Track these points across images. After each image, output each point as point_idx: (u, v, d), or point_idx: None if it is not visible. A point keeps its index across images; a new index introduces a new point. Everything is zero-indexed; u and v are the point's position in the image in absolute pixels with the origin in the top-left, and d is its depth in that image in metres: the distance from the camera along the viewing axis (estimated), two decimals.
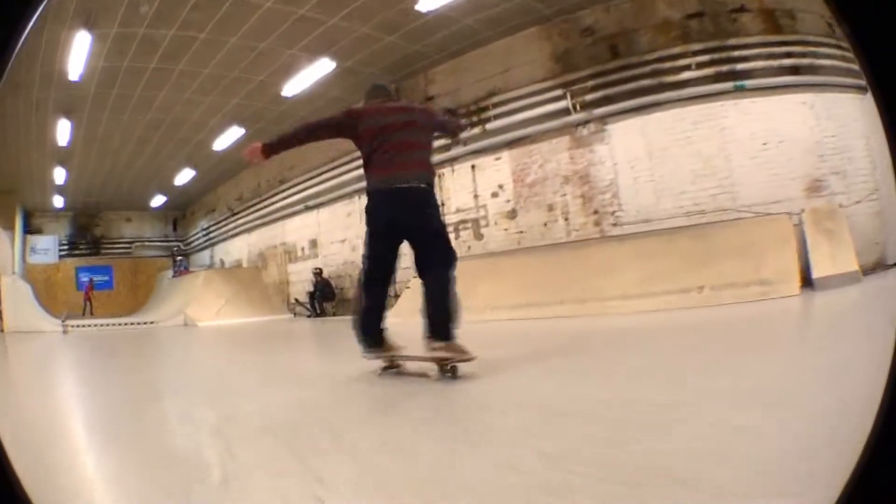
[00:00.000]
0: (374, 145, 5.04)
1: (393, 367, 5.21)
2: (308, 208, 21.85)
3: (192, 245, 32.24)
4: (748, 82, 11.58)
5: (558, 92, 13.58)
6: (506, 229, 14.49)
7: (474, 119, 14.71)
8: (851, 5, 1.13)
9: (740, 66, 11.70)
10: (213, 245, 30.04)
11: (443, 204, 14.97)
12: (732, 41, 11.87)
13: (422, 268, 5.06)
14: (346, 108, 5.31)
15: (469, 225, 15.34)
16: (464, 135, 13.30)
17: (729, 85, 11.67)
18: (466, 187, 15.48)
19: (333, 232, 20.58)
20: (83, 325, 20.93)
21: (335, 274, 20.42)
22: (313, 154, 18.95)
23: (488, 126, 14.71)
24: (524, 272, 11.73)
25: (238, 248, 27.38)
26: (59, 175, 24.04)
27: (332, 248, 20.75)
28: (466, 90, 15.48)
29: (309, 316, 20.02)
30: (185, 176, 26.20)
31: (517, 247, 13.80)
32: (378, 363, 5.24)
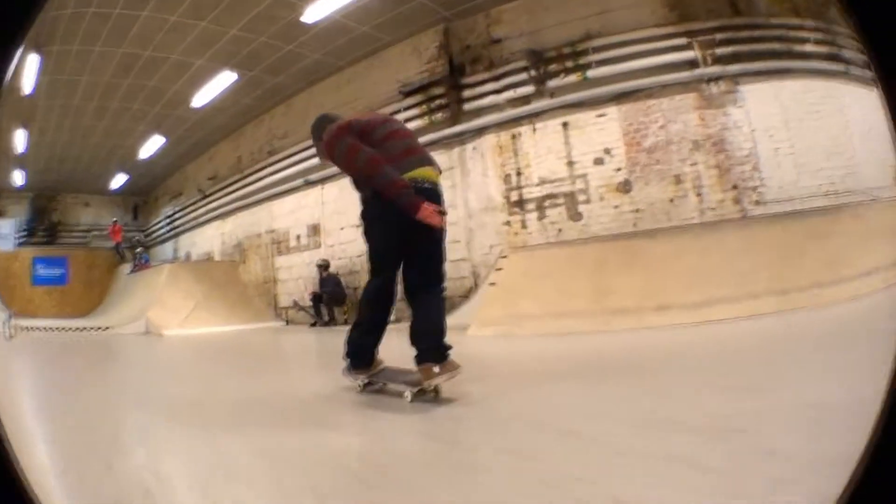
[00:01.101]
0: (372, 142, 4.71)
1: (373, 384, 5.00)
2: (309, 183, 17.83)
3: (154, 236, 28.01)
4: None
5: (682, 41, 11.93)
6: (616, 206, 12.10)
7: (568, 65, 12.72)
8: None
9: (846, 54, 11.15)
10: (177, 235, 25.85)
11: (520, 172, 12.98)
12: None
13: (419, 284, 4.85)
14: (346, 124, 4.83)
15: (560, 200, 12.60)
16: (554, 83, 12.58)
17: (841, 66, 11.14)
18: (555, 151, 12.80)
19: (345, 213, 16.50)
20: (31, 329, 18.41)
21: (346, 269, 16.53)
22: (316, 111, 14.02)
23: (590, 73, 12.49)
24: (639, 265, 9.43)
25: (208, 239, 23.32)
26: (20, 140, 20.58)
27: (343, 235, 16.72)
28: (550, 32, 13.18)
29: (313, 324, 16.23)
30: (152, 145, 22.26)
31: (632, 229, 11.59)
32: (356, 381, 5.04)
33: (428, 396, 4.49)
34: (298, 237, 18.35)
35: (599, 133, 12.39)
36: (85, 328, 18.27)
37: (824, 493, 1.42)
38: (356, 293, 15.18)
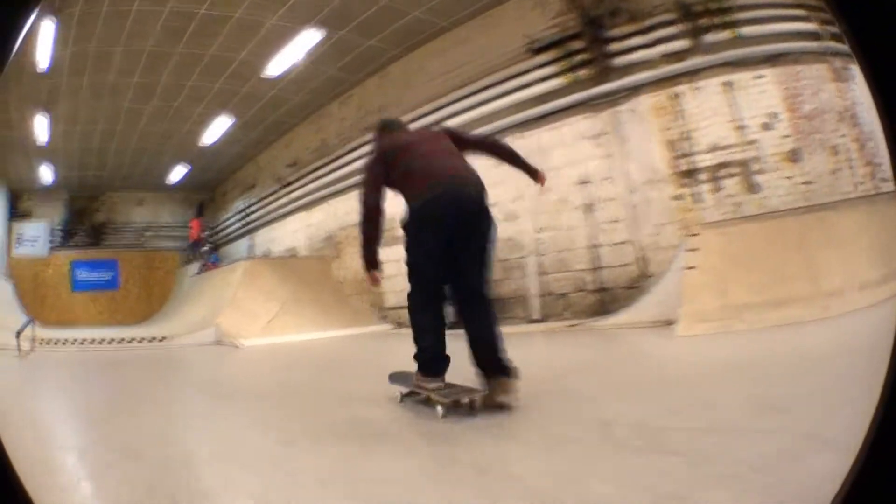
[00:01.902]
0: (403, 165, 5.13)
1: (414, 394, 5.13)
2: None
3: (224, 233, 25.83)
4: None
5: (803, 11, 11.16)
6: (788, 177, 10.94)
7: (716, 21, 11.48)
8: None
9: None
10: (252, 231, 23.55)
11: (687, 138, 11.40)
12: None
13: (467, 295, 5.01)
14: (379, 156, 5.36)
15: (735, 170, 11.16)
16: (709, 38, 11.29)
17: None
18: (721, 113, 11.32)
19: None
20: (60, 342, 14.61)
21: None
22: (419, 79, 14.96)
23: (743, 31, 11.29)
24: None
25: (291, 233, 20.74)
26: (41, 126, 17.96)
27: None
28: None
29: None
30: (217, 128, 19.86)
31: (806, 203, 10.39)
32: (398, 389, 5.28)
33: (462, 411, 4.58)
34: None
35: (762, 95, 11.19)
36: (133, 339, 14.92)
37: None
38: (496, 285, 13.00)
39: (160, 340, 14.30)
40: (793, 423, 3.64)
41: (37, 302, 22.46)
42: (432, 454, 3.79)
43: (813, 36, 11.01)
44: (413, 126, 6.66)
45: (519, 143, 12.21)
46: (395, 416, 4.85)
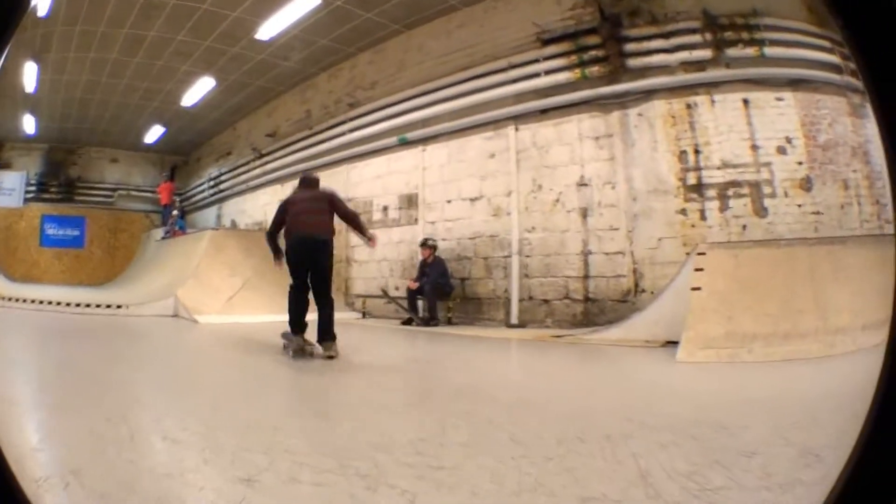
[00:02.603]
0: (290, 214, 8.47)
1: (304, 352, 8.10)
2: (405, 143, 14.82)
3: (193, 199, 25.34)
4: None
5: (827, 43, 10.74)
6: (799, 205, 10.77)
7: (743, 36, 11.28)
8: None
9: None
10: (222, 201, 23.07)
11: (699, 151, 11.14)
12: None
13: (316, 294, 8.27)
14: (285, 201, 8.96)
15: (744, 190, 10.88)
16: (732, 52, 11.06)
17: None
18: (738, 130, 11.05)
19: (455, 182, 13.90)
20: (15, 300, 14.64)
21: (453, 253, 13.53)
22: (416, 59, 14.49)
23: (767, 51, 11.06)
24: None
25: (261, 206, 19.74)
26: (31, 74, 17.54)
27: (451, 210, 13.92)
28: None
29: (409, 321, 12.94)
30: (199, 89, 19.25)
31: (813, 234, 10.44)
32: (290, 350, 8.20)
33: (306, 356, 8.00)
34: (385, 209, 15.45)
35: (780, 118, 10.97)
36: (91, 305, 14.26)
37: None
38: (465, 285, 13.41)
39: (118, 307, 13.74)
40: (828, 470, 2.58)
41: (8, 254, 22.78)
42: (288, 373, 7.22)
43: (835, 68, 10.74)
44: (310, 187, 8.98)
45: (514, 135, 12.71)
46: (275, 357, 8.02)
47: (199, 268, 14.18)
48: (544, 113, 12.42)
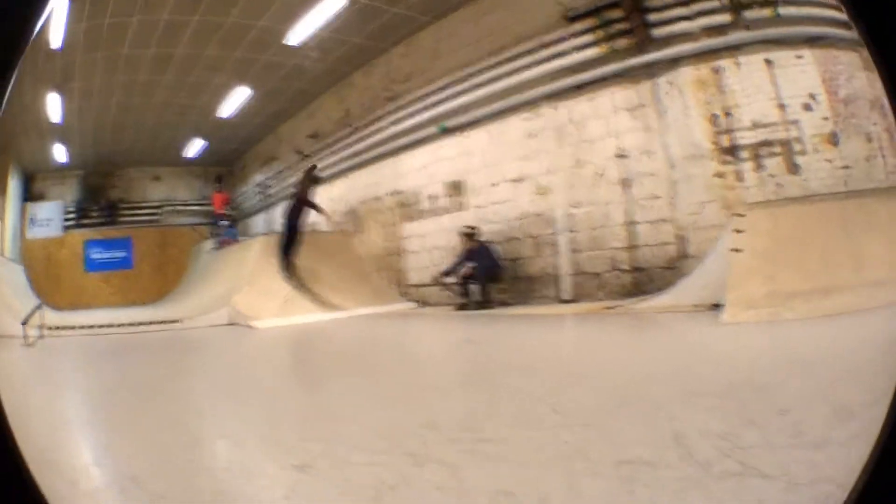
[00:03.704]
0: None
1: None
2: (445, 131, 15.04)
3: (242, 208, 25.32)
4: None
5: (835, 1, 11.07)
6: (829, 160, 10.89)
7: None
8: None
9: None
10: (271, 206, 22.90)
11: (729, 113, 11.29)
12: None
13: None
14: None
15: (776, 149, 11.06)
16: (750, 14, 11.15)
17: None
18: (764, 91, 11.20)
19: (498, 165, 14.03)
20: (70, 328, 14.13)
21: (502, 235, 13.75)
22: (448, 48, 14.59)
23: (781, 11, 11.22)
24: None
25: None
26: (54, 105, 17.66)
27: (496, 193, 14.09)
28: None
29: (464, 306, 13.35)
30: (235, 100, 19.34)
31: (845, 188, 10.51)
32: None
33: None
34: (433, 197, 15.68)
35: (802, 76, 11.08)
36: (143, 323, 14.39)
37: None
38: (515, 266, 13.56)
39: (173, 322, 14.02)
40: (863, 426, 3.08)
41: (50, 283, 21.59)
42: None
43: (846, 25, 10.08)
44: None
45: (551, 113, 12.90)
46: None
47: (253, 273, 14.49)
48: (578, 89, 12.63)
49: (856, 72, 10.77)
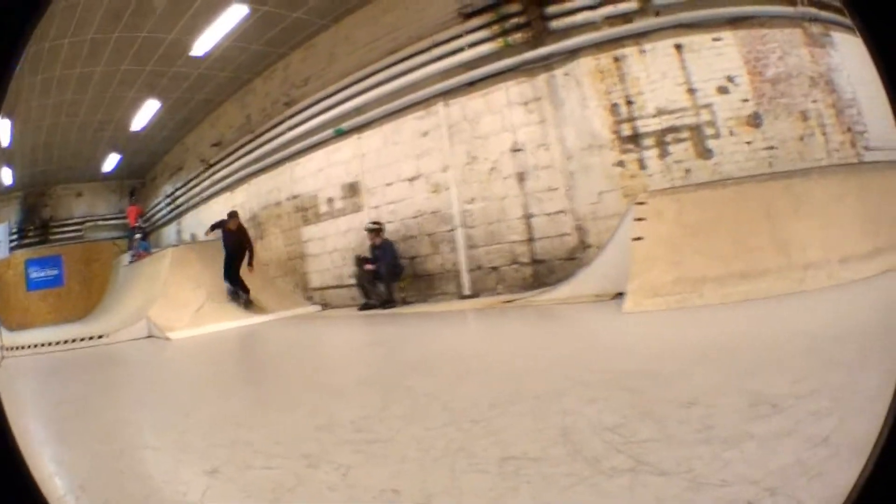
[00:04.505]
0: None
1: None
2: (341, 134, 14.44)
3: (154, 220, 24.95)
4: None
5: None
6: (748, 143, 10.62)
7: None
8: None
9: None
10: (179, 216, 22.83)
11: (631, 102, 10.99)
12: None
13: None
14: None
15: (685, 135, 10.69)
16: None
17: None
18: (671, 76, 10.91)
19: (393, 165, 13.56)
20: (19, 348, 14.06)
21: (399, 234, 13.25)
22: (345, 50, 14.13)
23: None
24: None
25: (215, 215, 18.18)
26: (5, 132, 17.93)
27: (391, 193, 13.61)
28: None
29: (366, 305, 12.82)
30: (146, 114, 18.80)
31: (769, 169, 10.24)
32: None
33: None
34: (330, 200, 15.08)
35: (718, 58, 10.84)
36: (72, 340, 14.12)
37: None
38: (413, 264, 13.17)
39: (99, 338, 13.56)
40: (795, 424, 3.12)
41: (2, 305, 22.40)
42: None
43: (787, 0, 10.85)
44: None
45: (444, 111, 12.51)
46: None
47: (166, 285, 14.17)
48: (472, 85, 12.19)
49: (793, 49, 10.76)
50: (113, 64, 15.19)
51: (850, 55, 10.86)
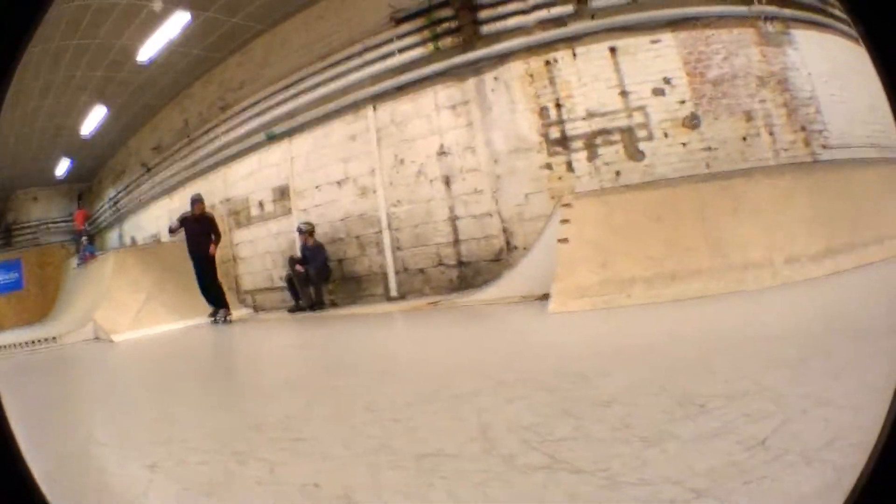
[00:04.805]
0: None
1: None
2: (272, 138, 14.21)
3: (99, 223, 24.86)
4: None
5: None
6: (684, 144, 10.43)
7: None
8: None
9: None
10: (121, 220, 22.64)
11: (559, 105, 10.86)
12: None
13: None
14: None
15: (616, 137, 10.60)
16: (599, 2, 10.80)
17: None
18: (603, 79, 10.81)
19: (321, 169, 13.31)
20: None
21: (328, 237, 12.96)
22: (280, 55, 13.93)
23: None
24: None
25: (154, 219, 19.40)
26: None
27: (320, 196, 13.36)
28: None
29: (296, 308, 12.64)
30: (94, 118, 18.66)
31: (706, 170, 10.12)
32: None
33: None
34: (261, 204, 14.83)
35: (655, 60, 10.70)
36: (32, 342, 14.16)
37: None
38: (343, 266, 13.02)
39: (53, 340, 13.64)
40: (724, 426, 2.98)
41: None
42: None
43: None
44: None
45: (373, 115, 12.36)
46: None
47: (109, 289, 13.97)
48: (401, 90, 12.00)
49: (741, 49, 10.63)
50: (71, 69, 15.13)
51: (812, 52, 10.96)
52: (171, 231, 13.50)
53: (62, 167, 23.78)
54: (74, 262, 20.57)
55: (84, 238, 20.56)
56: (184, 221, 12.95)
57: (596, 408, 3.36)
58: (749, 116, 10.47)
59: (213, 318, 12.73)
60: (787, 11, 10.97)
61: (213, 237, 12.65)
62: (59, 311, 19.51)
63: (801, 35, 11.03)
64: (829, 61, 11.07)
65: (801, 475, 2.19)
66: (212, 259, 12.74)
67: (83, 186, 26.19)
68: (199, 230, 12.72)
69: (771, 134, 10.44)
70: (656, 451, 2.71)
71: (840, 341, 4.02)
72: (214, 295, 12.86)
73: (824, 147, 10.49)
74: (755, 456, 2.44)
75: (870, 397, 2.70)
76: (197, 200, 13.01)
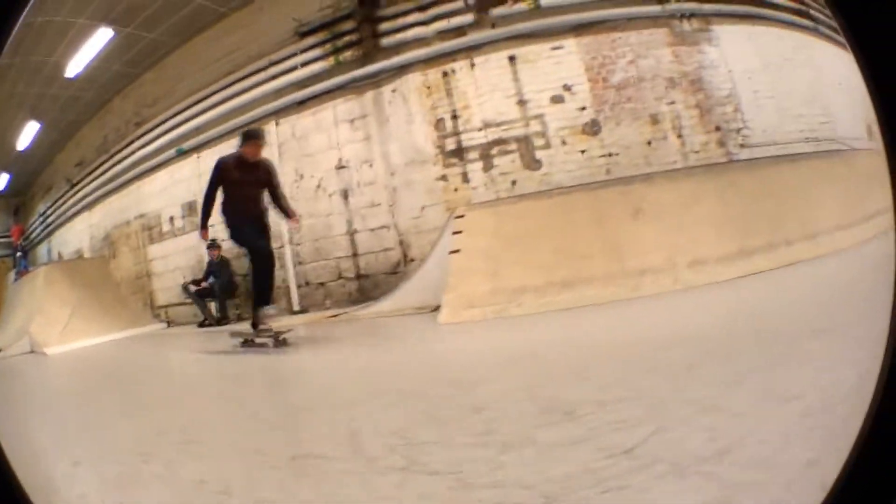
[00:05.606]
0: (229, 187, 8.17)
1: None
2: (182, 153, 13.93)
3: (32, 238, 23.48)
4: None
5: None
6: (583, 151, 10.33)
7: None
8: None
9: None
10: (50, 234, 21.70)
11: (457, 116, 10.78)
12: None
13: None
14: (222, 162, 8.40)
15: (512, 147, 10.49)
16: (499, 11, 10.49)
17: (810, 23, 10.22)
18: (501, 88, 10.66)
19: None
20: None
21: (230, 252, 12.24)
22: (190, 70, 13.54)
23: (543, 1, 10.44)
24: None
25: (77, 234, 19.10)
26: None
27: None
28: None
29: (204, 323, 12.40)
30: (29, 133, 18.13)
31: (606, 177, 9.92)
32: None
33: None
34: (172, 219, 14.40)
35: (556, 67, 10.51)
36: None
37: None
38: (246, 281, 12.15)
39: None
40: (588, 432, 3.06)
41: None
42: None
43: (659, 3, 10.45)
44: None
45: (274, 129, 11.91)
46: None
47: (41, 303, 14.16)
48: (303, 104, 11.73)
49: (650, 50, 10.37)
50: (14, 85, 15.06)
51: (737, 48, 10.60)
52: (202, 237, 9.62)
53: (2, 181, 22.66)
54: (12, 276, 20.35)
55: (19, 253, 20.42)
56: (224, 170, 8.55)
57: (465, 414, 3.59)
58: (655, 120, 10.25)
59: (256, 333, 8.28)
60: (708, 7, 10.60)
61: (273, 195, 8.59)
62: (3, 324, 18.52)
63: (725, 31, 10.64)
64: (759, 55, 10.57)
65: (673, 487, 2.14)
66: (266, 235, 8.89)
67: (19, 201, 24.55)
68: (254, 183, 8.51)
69: (679, 136, 10.22)
70: (513, 456, 2.86)
71: (743, 346, 3.99)
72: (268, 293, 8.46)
73: (742, 146, 10.23)
74: (617, 464, 2.43)
75: (772, 405, 2.85)
76: (253, 136, 8.80)
